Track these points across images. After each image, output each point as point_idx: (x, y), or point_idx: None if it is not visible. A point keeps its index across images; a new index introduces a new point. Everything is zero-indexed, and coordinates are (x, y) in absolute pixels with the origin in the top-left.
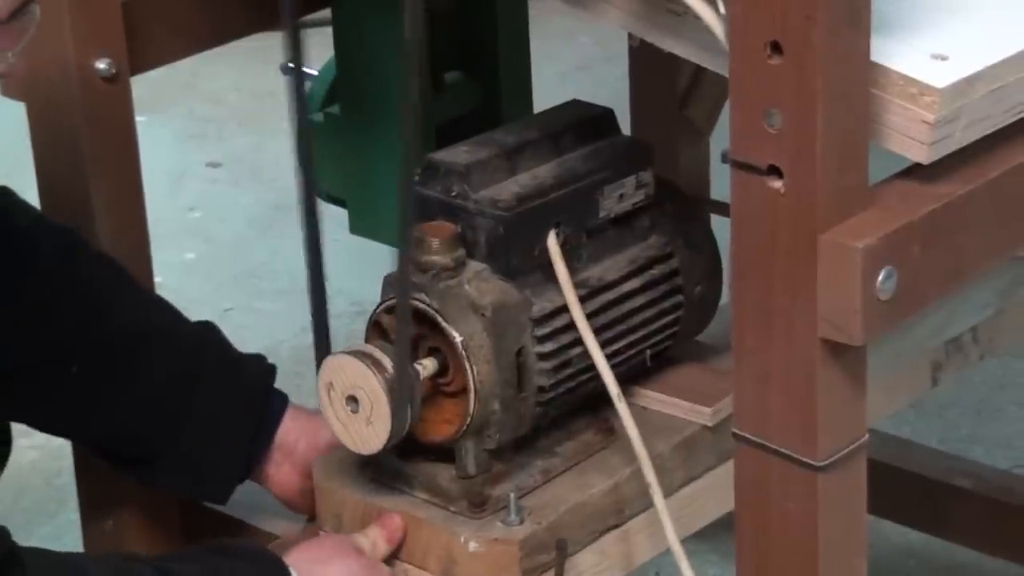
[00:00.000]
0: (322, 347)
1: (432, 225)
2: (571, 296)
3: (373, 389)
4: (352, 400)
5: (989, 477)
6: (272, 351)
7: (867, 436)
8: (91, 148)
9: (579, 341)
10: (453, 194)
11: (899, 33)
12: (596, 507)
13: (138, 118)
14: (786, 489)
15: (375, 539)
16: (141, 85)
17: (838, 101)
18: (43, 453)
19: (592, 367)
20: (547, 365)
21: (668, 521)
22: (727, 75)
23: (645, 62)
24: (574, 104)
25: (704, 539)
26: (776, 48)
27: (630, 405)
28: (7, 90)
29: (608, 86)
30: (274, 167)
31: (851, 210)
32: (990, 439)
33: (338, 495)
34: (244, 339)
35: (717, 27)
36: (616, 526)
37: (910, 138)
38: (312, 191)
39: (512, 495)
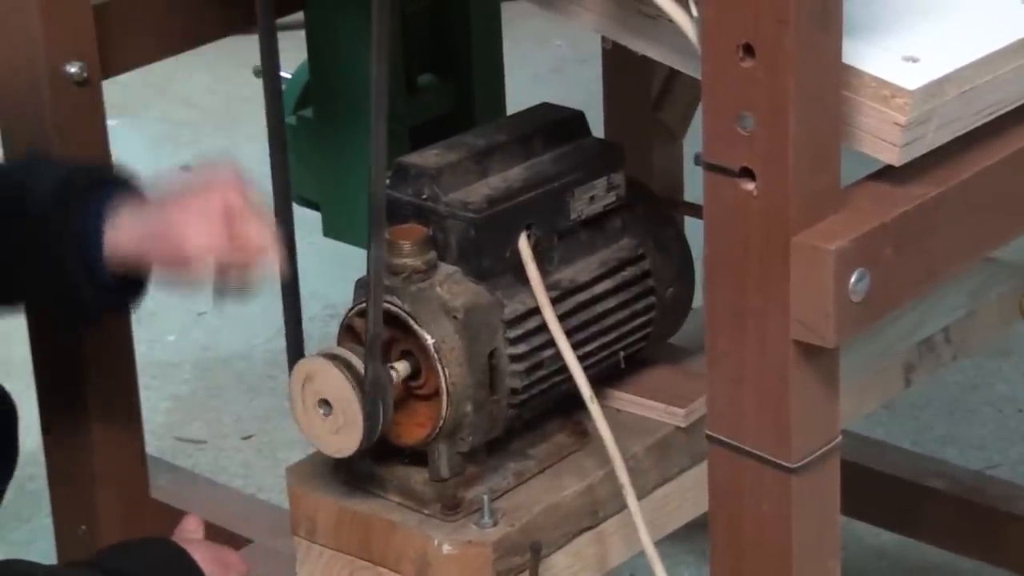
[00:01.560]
0: (295, 350)
1: (403, 228)
2: (543, 298)
3: (345, 393)
4: (324, 404)
5: (962, 478)
6: (246, 354)
7: (840, 437)
8: (63, 152)
9: (551, 343)
10: (424, 197)
11: (870, 35)
12: (570, 509)
13: (110, 122)
14: (760, 491)
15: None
16: (113, 88)
17: (810, 104)
18: None
19: (565, 369)
20: (520, 367)
21: (642, 523)
22: (700, 78)
23: (618, 64)
24: (544, 107)
25: (678, 540)
26: (748, 51)
27: (603, 407)
28: None
29: (581, 88)
30: (248, 170)
31: (823, 212)
32: (963, 440)
33: (311, 499)
34: (218, 342)
35: (689, 30)
36: (590, 528)
37: (882, 140)
38: (287, 195)
39: (485, 497)
